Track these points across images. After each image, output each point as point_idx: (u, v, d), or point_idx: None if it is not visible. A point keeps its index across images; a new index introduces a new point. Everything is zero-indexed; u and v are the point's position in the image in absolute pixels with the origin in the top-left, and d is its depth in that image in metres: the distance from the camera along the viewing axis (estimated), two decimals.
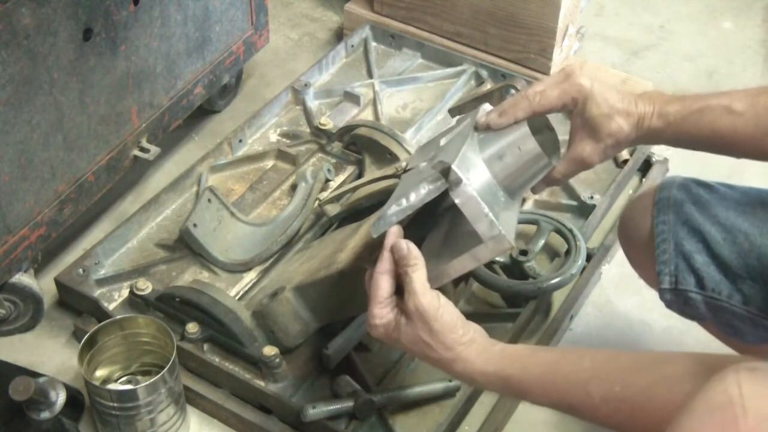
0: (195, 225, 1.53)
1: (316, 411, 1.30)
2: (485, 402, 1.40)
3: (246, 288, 1.53)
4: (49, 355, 1.49)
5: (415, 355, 1.09)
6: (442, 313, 1.04)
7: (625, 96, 1.14)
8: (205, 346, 1.42)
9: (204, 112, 1.94)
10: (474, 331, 1.06)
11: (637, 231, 1.25)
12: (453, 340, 1.04)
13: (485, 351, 1.04)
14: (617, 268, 1.65)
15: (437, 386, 1.38)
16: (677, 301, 1.19)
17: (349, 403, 1.33)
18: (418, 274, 1.05)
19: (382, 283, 1.06)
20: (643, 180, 1.78)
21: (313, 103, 1.89)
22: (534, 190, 1.21)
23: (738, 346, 1.25)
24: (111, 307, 1.48)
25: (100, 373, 1.36)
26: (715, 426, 0.68)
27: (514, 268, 1.53)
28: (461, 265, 1.08)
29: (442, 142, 1.22)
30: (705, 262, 1.16)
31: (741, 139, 1.10)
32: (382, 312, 1.06)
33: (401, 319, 1.06)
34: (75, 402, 1.37)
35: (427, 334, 1.04)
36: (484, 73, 1.96)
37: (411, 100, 1.94)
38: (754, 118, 1.09)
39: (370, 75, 1.98)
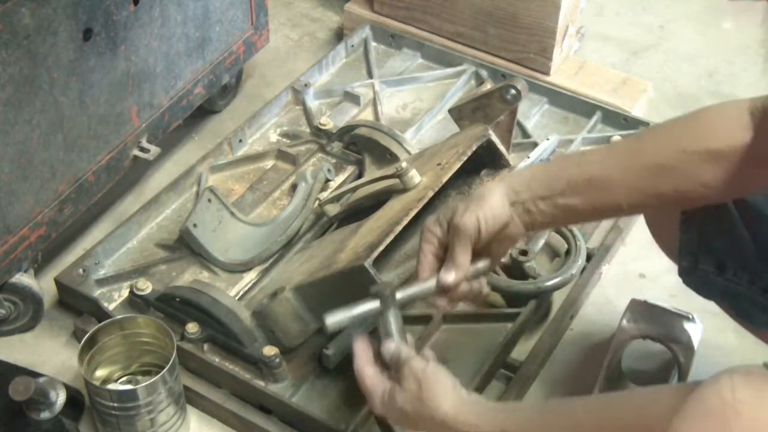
0: (195, 225, 1.53)
1: (336, 318, 1.17)
2: None
3: (246, 288, 1.53)
4: (49, 355, 1.49)
5: (415, 424, 1.12)
6: (432, 369, 1.10)
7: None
8: (205, 346, 1.42)
9: (204, 112, 1.93)
10: (461, 387, 1.10)
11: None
12: (446, 394, 1.08)
13: (477, 404, 1.07)
14: (617, 268, 1.65)
15: None
16: (695, 280, 1.18)
17: (373, 305, 1.18)
18: (406, 350, 1.14)
19: (368, 370, 1.16)
20: None
21: (313, 103, 1.89)
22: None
23: (751, 329, 1.24)
24: (111, 307, 1.48)
25: (100, 373, 1.36)
26: (709, 430, 0.69)
27: (514, 268, 1.53)
28: None
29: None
30: (728, 245, 1.14)
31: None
32: (375, 381, 1.14)
33: (395, 386, 1.12)
34: (75, 402, 1.37)
35: (417, 388, 1.08)
36: (484, 73, 1.95)
37: (411, 100, 1.94)
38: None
39: (370, 75, 1.98)
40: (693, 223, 1.17)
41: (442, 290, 1.16)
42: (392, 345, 1.15)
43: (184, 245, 1.56)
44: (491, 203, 1.13)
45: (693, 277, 1.19)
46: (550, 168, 1.17)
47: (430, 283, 1.16)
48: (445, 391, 1.08)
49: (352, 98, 1.90)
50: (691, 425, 0.70)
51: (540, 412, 1.04)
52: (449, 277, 1.14)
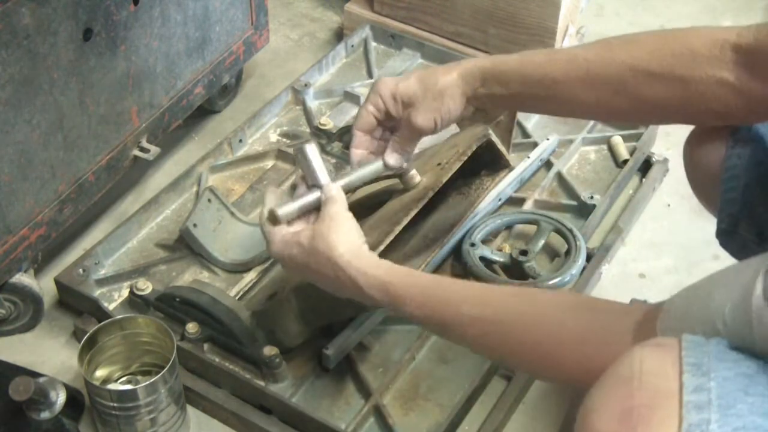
0: (195, 225, 1.53)
1: (285, 210, 1.20)
2: (485, 402, 1.40)
3: (246, 288, 1.53)
4: (49, 355, 1.49)
5: (308, 261, 1.15)
6: (348, 217, 1.16)
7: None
8: (205, 346, 1.42)
9: (204, 112, 1.94)
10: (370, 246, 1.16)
11: (706, 156, 1.14)
12: (349, 239, 1.13)
13: (372, 257, 1.13)
14: (617, 268, 1.65)
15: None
16: (732, 244, 1.13)
17: (314, 195, 1.23)
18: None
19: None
20: (643, 180, 1.78)
21: (313, 103, 1.89)
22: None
23: None
24: (111, 307, 1.48)
25: (100, 373, 1.36)
26: (615, 397, 0.71)
27: (514, 268, 1.53)
28: None
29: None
30: None
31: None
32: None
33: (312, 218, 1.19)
34: (75, 402, 1.37)
35: (326, 227, 1.13)
36: None
37: None
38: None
39: (370, 75, 1.98)
40: (737, 181, 1.09)
41: (388, 169, 1.28)
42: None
43: (184, 245, 1.56)
44: (449, 104, 1.20)
45: (730, 240, 1.12)
46: (510, 63, 1.16)
47: (373, 167, 1.28)
48: (348, 231, 1.14)
49: (352, 98, 1.90)
50: (601, 392, 0.72)
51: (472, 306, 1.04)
52: (397, 161, 1.28)
